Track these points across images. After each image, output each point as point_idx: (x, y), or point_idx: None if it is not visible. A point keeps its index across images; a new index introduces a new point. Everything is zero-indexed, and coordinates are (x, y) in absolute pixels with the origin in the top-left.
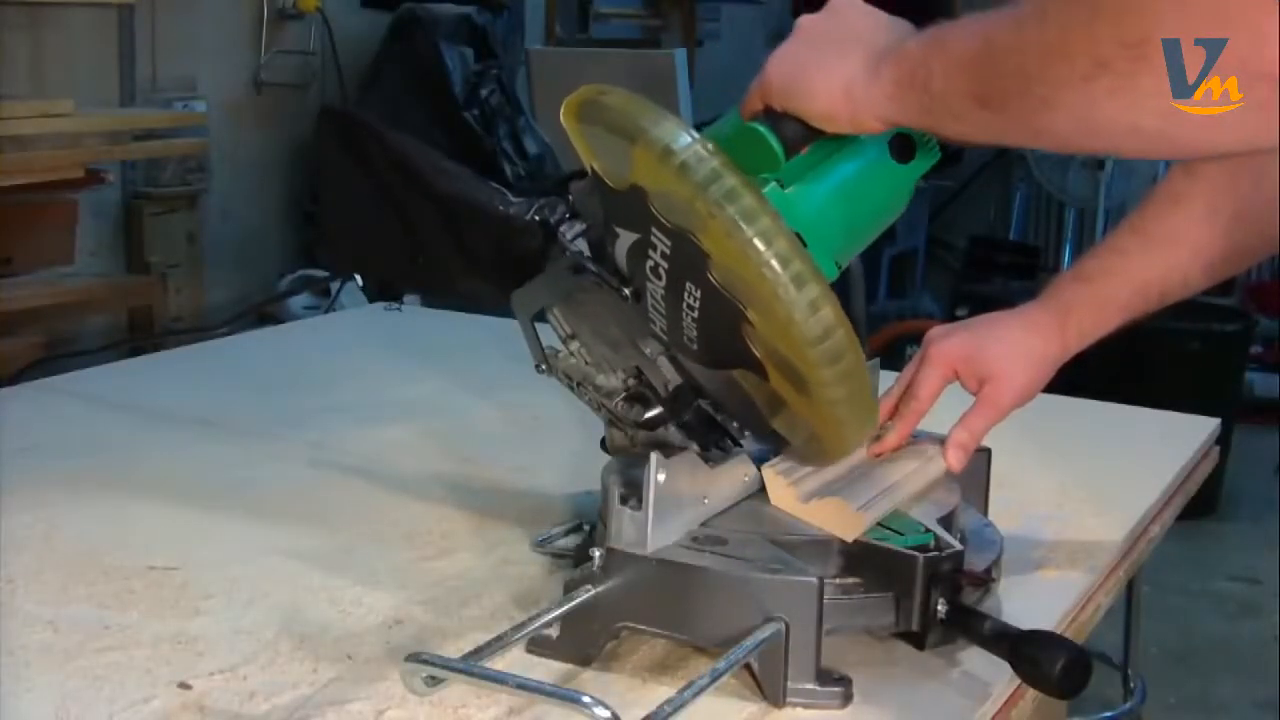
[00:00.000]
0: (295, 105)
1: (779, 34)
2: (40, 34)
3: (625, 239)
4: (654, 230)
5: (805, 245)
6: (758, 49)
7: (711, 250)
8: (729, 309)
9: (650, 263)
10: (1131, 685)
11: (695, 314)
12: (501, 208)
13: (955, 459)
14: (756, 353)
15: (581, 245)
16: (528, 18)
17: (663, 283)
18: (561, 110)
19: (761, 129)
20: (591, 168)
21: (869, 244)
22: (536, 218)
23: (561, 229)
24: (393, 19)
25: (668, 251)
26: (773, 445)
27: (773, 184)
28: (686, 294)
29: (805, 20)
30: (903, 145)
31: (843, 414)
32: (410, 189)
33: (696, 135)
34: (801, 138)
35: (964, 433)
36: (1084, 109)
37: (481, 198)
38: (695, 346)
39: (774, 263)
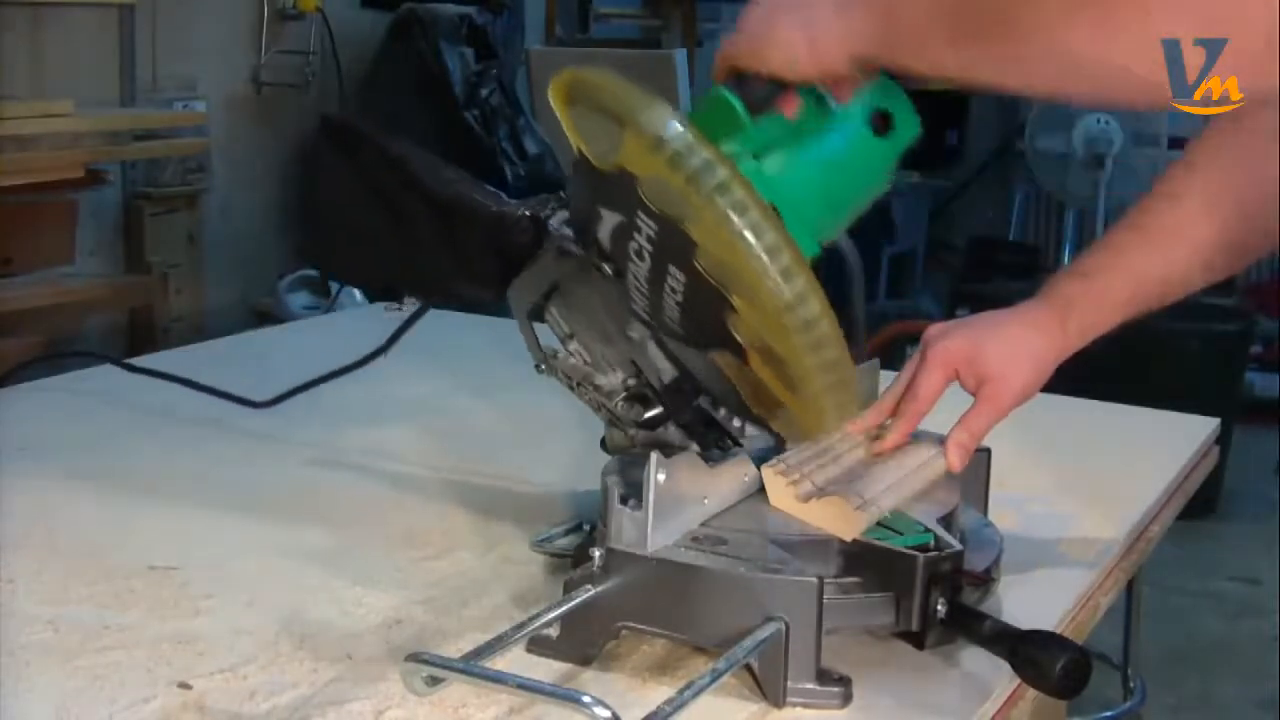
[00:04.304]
0: (295, 105)
1: None
2: (40, 34)
3: (609, 220)
4: (640, 214)
5: (781, 217)
6: None
7: (701, 240)
8: (714, 295)
9: (634, 245)
10: (1131, 685)
11: (678, 297)
12: (495, 207)
13: (956, 459)
14: (740, 339)
15: (566, 229)
16: (528, 18)
17: (646, 265)
18: (550, 88)
19: (725, 93)
20: (578, 149)
21: (851, 221)
22: (527, 213)
23: (550, 220)
24: (393, 19)
25: (653, 236)
26: (756, 426)
27: (748, 158)
28: (670, 277)
29: None
30: (881, 119)
31: (825, 403)
32: (407, 194)
33: (687, 122)
34: (766, 97)
35: (964, 433)
36: (1062, 44)
37: (478, 198)
38: (678, 327)
39: (764, 255)
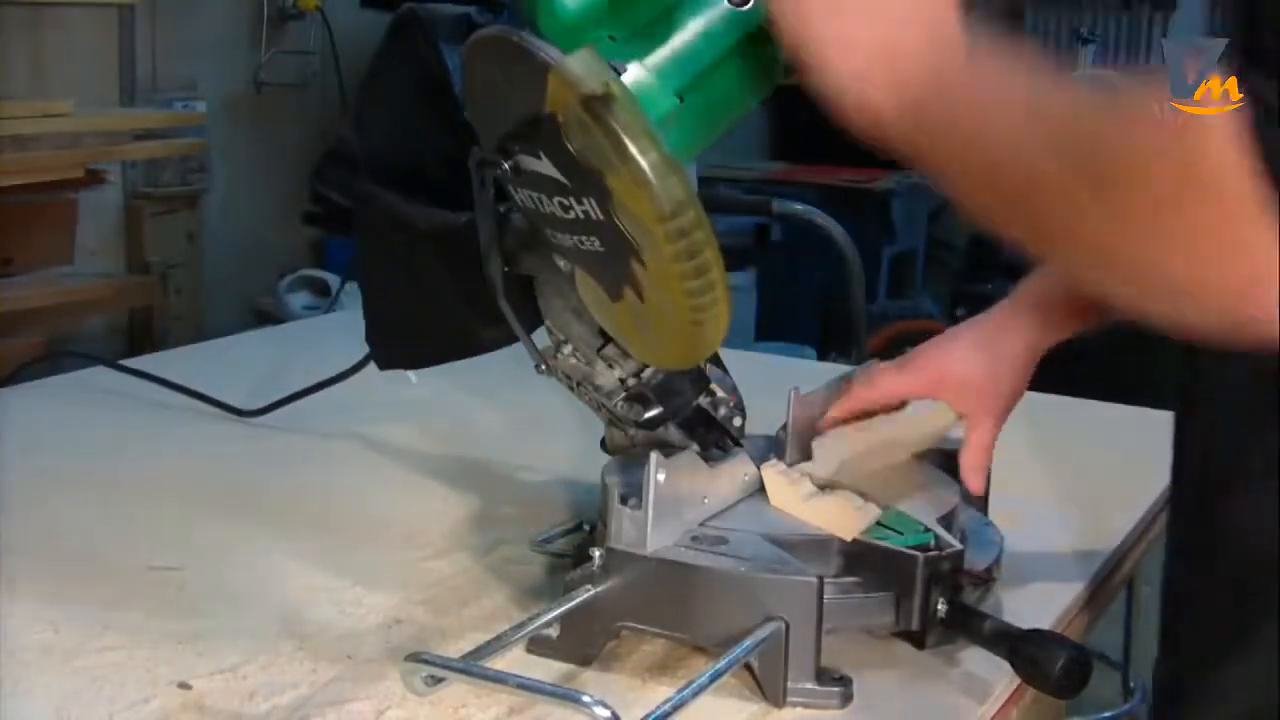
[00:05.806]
0: (295, 105)
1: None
2: (40, 34)
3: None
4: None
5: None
6: None
7: (617, 191)
8: (626, 245)
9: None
10: (1131, 686)
11: (579, 216)
12: (462, 219)
13: (975, 482)
14: (641, 280)
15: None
16: None
17: (554, 190)
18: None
19: None
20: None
21: (741, 109)
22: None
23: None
24: (392, 19)
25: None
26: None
27: (606, 39)
28: (584, 201)
29: None
30: None
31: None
32: (420, 254)
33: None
34: None
35: (973, 454)
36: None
37: (458, 222)
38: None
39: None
